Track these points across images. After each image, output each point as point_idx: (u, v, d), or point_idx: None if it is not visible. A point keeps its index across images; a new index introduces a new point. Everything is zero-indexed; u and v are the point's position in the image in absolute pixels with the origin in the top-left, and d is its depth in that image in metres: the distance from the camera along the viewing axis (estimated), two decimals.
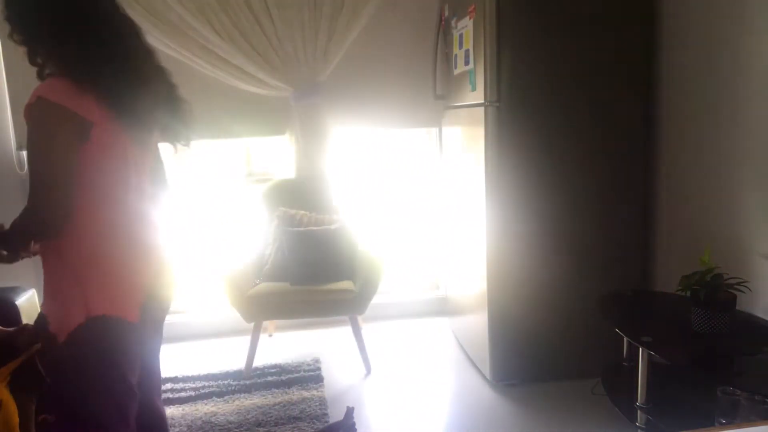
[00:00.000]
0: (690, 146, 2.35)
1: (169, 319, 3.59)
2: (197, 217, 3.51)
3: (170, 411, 2.48)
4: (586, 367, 2.54)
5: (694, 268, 1.90)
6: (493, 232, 2.49)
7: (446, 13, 2.95)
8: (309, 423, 2.34)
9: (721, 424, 1.62)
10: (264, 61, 3.04)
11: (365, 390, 2.67)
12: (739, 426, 0.96)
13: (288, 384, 2.69)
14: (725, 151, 2.13)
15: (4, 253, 1.31)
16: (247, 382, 2.72)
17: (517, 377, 2.60)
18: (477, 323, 2.71)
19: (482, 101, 2.43)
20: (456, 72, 2.81)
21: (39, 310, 1.36)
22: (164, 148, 1.57)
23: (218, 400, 2.57)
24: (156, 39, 2.93)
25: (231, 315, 3.19)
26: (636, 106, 2.49)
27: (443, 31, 3.01)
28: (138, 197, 1.43)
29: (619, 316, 2.13)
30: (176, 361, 3.01)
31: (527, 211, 2.48)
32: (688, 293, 1.89)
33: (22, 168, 2.98)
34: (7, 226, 1.28)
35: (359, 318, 2.93)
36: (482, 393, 2.58)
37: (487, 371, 2.63)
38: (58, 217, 1.24)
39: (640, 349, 1.88)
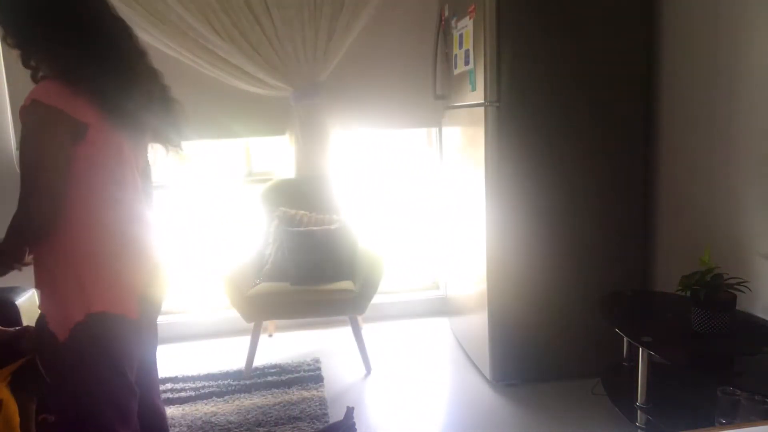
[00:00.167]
0: (690, 146, 2.35)
1: (169, 319, 3.62)
2: (197, 217, 3.51)
3: (170, 411, 2.48)
4: (586, 367, 2.54)
5: (694, 268, 1.90)
6: (493, 232, 2.49)
7: (446, 13, 2.95)
8: (309, 423, 2.34)
9: (721, 424, 1.62)
10: (264, 61, 3.04)
11: (365, 390, 2.67)
12: (739, 426, 0.96)
13: (288, 384, 2.69)
14: (725, 150, 2.13)
15: None
16: (247, 382, 2.72)
17: (517, 377, 2.60)
18: (477, 323, 2.71)
19: (482, 101, 2.43)
20: (456, 72, 2.82)
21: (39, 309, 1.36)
22: (156, 149, 1.56)
23: (218, 400, 2.57)
24: (156, 39, 2.93)
25: (231, 315, 3.19)
26: (636, 106, 2.49)
27: (443, 31, 3.01)
28: (134, 197, 1.44)
29: (619, 316, 2.13)
30: (176, 361, 3.02)
31: (527, 211, 2.48)
32: (688, 293, 1.89)
33: None
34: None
35: (359, 318, 2.94)
36: (482, 393, 2.58)
37: (487, 371, 2.63)
38: (47, 219, 1.25)
39: (640, 349, 1.88)
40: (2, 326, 1.61)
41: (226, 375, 2.80)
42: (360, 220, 3.11)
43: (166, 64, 3.03)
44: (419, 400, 2.55)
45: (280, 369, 2.85)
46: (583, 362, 2.57)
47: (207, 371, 2.84)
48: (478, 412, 2.43)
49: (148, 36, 2.91)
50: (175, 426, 2.35)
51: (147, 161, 1.59)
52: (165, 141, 1.53)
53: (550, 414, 2.36)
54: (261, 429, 2.31)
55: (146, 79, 1.43)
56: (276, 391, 2.63)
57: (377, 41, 3.25)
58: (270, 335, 3.33)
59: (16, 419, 1.40)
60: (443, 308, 3.53)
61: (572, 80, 2.43)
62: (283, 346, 3.19)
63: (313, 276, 2.82)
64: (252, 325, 2.78)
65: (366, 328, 3.31)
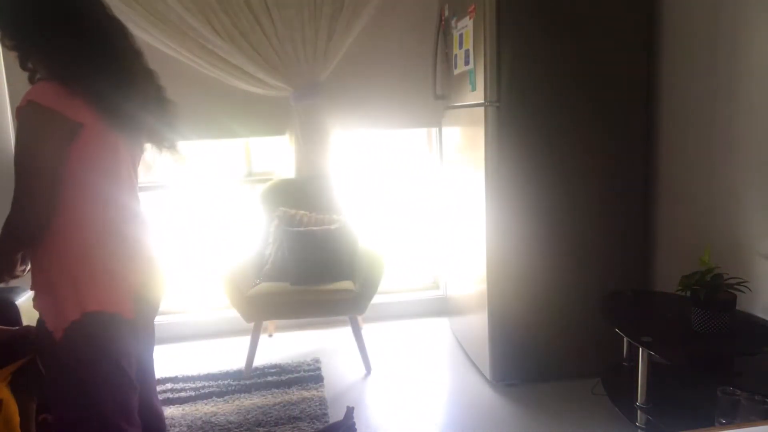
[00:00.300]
0: (690, 146, 2.35)
1: (169, 319, 3.62)
2: (197, 217, 3.51)
3: (170, 411, 2.48)
4: (586, 367, 2.54)
5: (694, 268, 1.90)
6: (493, 232, 2.49)
7: (446, 13, 2.95)
8: (309, 423, 2.34)
9: (721, 424, 1.62)
10: (264, 61, 3.04)
11: (365, 390, 2.67)
12: (739, 426, 0.96)
13: (288, 384, 2.69)
14: (725, 151, 2.13)
15: None
16: (247, 382, 2.72)
17: (517, 377, 2.60)
18: (477, 323, 2.71)
19: (482, 101, 2.43)
20: (456, 72, 2.81)
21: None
22: (152, 149, 1.57)
23: (218, 400, 2.57)
24: (156, 39, 2.93)
25: (231, 315, 3.20)
26: (636, 106, 2.49)
27: (443, 31, 3.01)
28: (130, 196, 1.46)
29: (619, 316, 2.13)
30: (176, 361, 3.02)
31: (527, 211, 2.48)
32: (688, 293, 1.89)
33: None
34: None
35: (359, 318, 2.94)
36: (482, 393, 2.58)
37: (487, 371, 2.63)
38: (41, 221, 1.27)
39: (640, 349, 1.88)
40: (2, 326, 1.61)
41: (226, 375, 2.80)
42: (360, 220, 3.11)
43: (166, 64, 3.06)
44: (419, 400, 2.55)
45: (280, 369, 2.85)
46: (583, 362, 2.57)
47: (207, 371, 2.84)
48: (478, 412, 2.43)
49: (148, 36, 2.91)
50: (175, 426, 2.35)
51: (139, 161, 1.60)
52: (160, 141, 1.53)
53: (550, 414, 2.36)
54: (261, 429, 2.31)
55: (142, 80, 1.44)
56: (276, 391, 2.63)
57: (377, 41, 3.25)
58: (270, 335, 3.33)
59: (16, 419, 1.40)
60: (443, 308, 3.53)
61: (572, 80, 2.43)
62: (283, 346, 3.19)
63: (313, 276, 2.82)
64: (252, 325, 2.78)
65: (366, 328, 3.31)
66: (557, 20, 2.39)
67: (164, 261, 1.52)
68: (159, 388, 2.67)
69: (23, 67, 1.36)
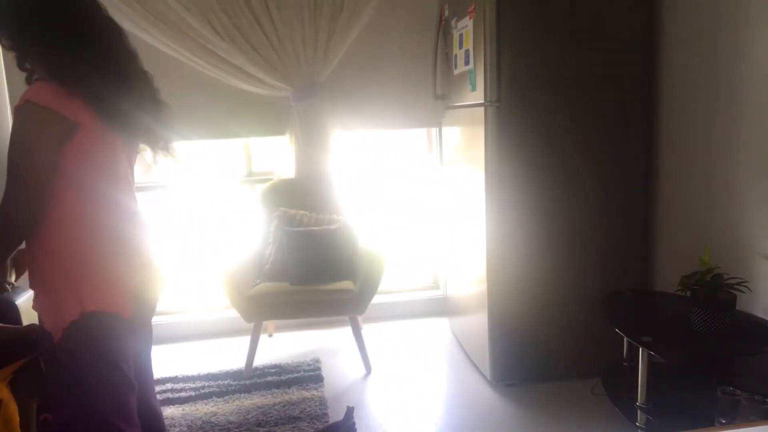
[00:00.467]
0: (690, 146, 2.35)
1: (169, 319, 3.62)
2: (197, 217, 3.51)
3: (170, 411, 2.48)
4: (586, 367, 2.54)
5: (694, 268, 1.90)
6: (493, 232, 2.49)
7: (446, 13, 2.95)
8: (309, 423, 2.34)
9: (721, 424, 1.62)
10: (264, 61, 3.04)
11: (365, 390, 2.67)
12: (739, 426, 0.96)
13: (288, 384, 2.69)
14: (725, 151, 2.13)
15: None
16: (247, 382, 2.72)
17: (517, 377, 2.60)
18: (477, 323, 2.71)
19: (482, 101, 2.43)
20: (456, 72, 2.81)
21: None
22: (148, 150, 1.57)
23: (218, 400, 2.57)
24: (156, 39, 2.93)
25: (231, 315, 3.19)
26: (636, 106, 2.49)
27: (443, 31, 3.01)
28: (128, 196, 1.46)
29: (619, 316, 2.13)
30: (176, 361, 3.02)
31: (527, 211, 2.48)
32: (688, 293, 1.89)
33: None
34: None
35: (359, 318, 2.93)
36: (482, 393, 2.58)
37: (487, 371, 2.63)
38: (31, 219, 1.27)
39: (640, 349, 1.88)
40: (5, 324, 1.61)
41: (226, 375, 2.80)
42: (360, 220, 3.11)
43: (166, 64, 3.07)
44: (419, 400, 2.55)
45: (280, 369, 2.85)
46: (583, 362, 2.57)
47: (207, 371, 2.84)
48: (478, 412, 2.43)
49: (148, 36, 2.91)
50: (175, 426, 2.35)
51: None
52: (155, 141, 1.54)
53: (550, 414, 2.36)
54: (261, 429, 2.31)
55: (138, 81, 1.45)
56: (276, 391, 2.63)
57: (377, 41, 3.25)
58: (270, 335, 3.33)
59: (16, 419, 1.40)
60: (443, 308, 3.53)
61: (572, 80, 2.43)
62: (283, 346, 3.19)
63: (313, 276, 2.82)
64: (252, 325, 2.78)
65: (366, 328, 3.31)
66: (557, 20, 2.39)
67: (162, 261, 1.52)
68: (159, 388, 2.67)
69: (21, 67, 1.36)
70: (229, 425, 2.34)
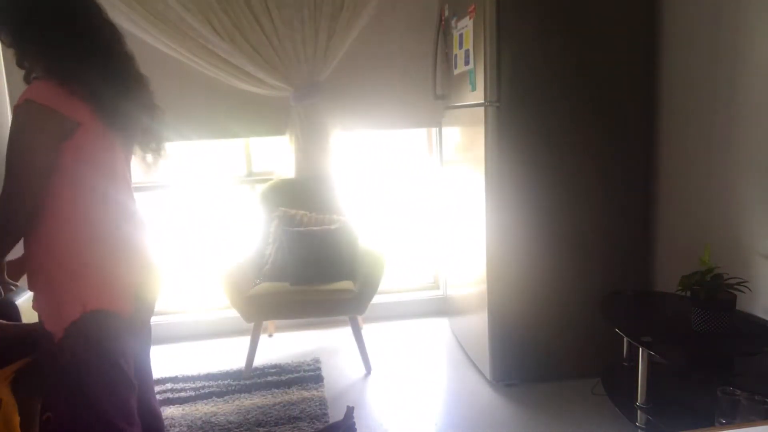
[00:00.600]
0: (690, 146, 2.35)
1: (169, 319, 3.62)
2: (197, 217, 3.51)
3: (170, 411, 2.48)
4: (586, 367, 2.54)
5: (694, 268, 1.90)
6: (493, 232, 2.49)
7: (446, 13, 2.95)
8: (309, 423, 2.34)
9: (721, 424, 1.62)
10: (264, 61, 3.04)
11: (365, 390, 2.67)
12: (739, 426, 0.96)
13: (288, 384, 2.69)
14: (725, 151, 2.13)
15: None
16: (247, 382, 2.72)
17: (517, 377, 2.60)
18: (477, 323, 2.71)
19: (482, 101, 2.43)
20: (456, 72, 2.81)
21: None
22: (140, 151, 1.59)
23: (218, 400, 2.57)
24: (156, 39, 2.93)
25: (231, 315, 3.20)
26: (636, 106, 2.49)
27: (443, 31, 3.01)
28: (127, 195, 1.47)
29: (619, 316, 2.13)
30: (176, 361, 3.01)
31: (527, 211, 2.48)
32: (688, 293, 1.89)
33: None
34: None
35: (359, 318, 2.93)
36: (482, 393, 2.58)
37: (487, 371, 2.63)
38: (27, 218, 1.28)
39: (640, 349, 1.87)
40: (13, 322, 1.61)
41: (226, 375, 2.80)
42: (360, 220, 3.11)
43: (166, 64, 3.07)
44: (419, 400, 2.55)
45: (280, 369, 2.85)
46: (583, 362, 2.57)
47: (207, 371, 2.84)
48: (478, 412, 2.43)
49: (148, 36, 2.91)
50: (175, 426, 2.35)
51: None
52: (148, 143, 1.55)
53: (550, 414, 2.36)
54: (261, 429, 2.31)
55: (135, 82, 1.47)
56: (276, 391, 2.63)
57: (377, 41, 3.25)
58: (270, 335, 3.33)
59: (16, 419, 1.40)
60: (443, 308, 3.53)
61: (572, 80, 2.43)
62: (283, 346, 3.19)
63: (313, 276, 2.82)
64: (252, 325, 2.78)
65: (366, 328, 3.31)
66: (557, 20, 2.39)
67: (160, 260, 1.53)
68: (159, 388, 2.67)
69: (20, 65, 1.37)
70: (229, 425, 2.34)
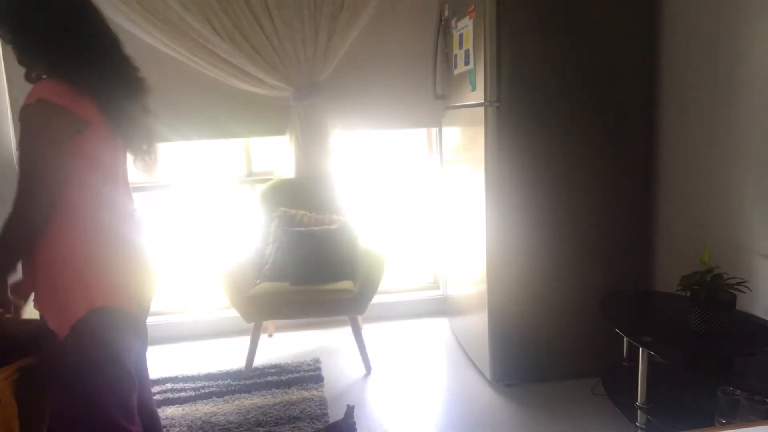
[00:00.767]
0: (690, 146, 2.35)
1: (169, 319, 3.61)
2: (197, 217, 3.51)
3: (170, 411, 2.48)
4: (586, 367, 2.54)
5: (694, 268, 1.90)
6: (493, 232, 2.49)
7: (446, 13, 2.95)
8: (309, 423, 2.34)
9: (721, 424, 1.62)
10: (264, 61, 3.04)
11: (365, 390, 2.67)
12: (739, 426, 0.96)
13: (288, 384, 2.69)
14: (725, 151, 2.13)
15: None
16: (247, 382, 2.72)
17: (517, 377, 2.60)
18: (477, 323, 2.71)
19: (482, 101, 2.43)
20: (456, 72, 2.82)
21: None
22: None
23: (218, 400, 2.57)
24: (156, 39, 2.93)
25: (231, 315, 3.20)
26: (636, 106, 2.49)
27: (443, 31, 3.01)
28: (126, 195, 1.50)
29: (619, 316, 2.13)
30: (176, 361, 3.01)
31: (527, 211, 2.48)
32: (688, 293, 1.89)
33: None
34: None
35: (359, 318, 2.94)
36: (482, 393, 2.58)
37: (487, 371, 2.63)
38: (43, 215, 1.28)
39: (640, 349, 1.88)
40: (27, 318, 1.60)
41: (226, 375, 2.80)
42: (360, 220, 3.11)
43: (166, 64, 3.07)
44: (419, 400, 2.55)
45: (280, 369, 2.85)
46: (583, 362, 2.57)
47: (207, 371, 2.84)
48: (478, 412, 2.43)
49: (148, 36, 2.91)
50: (175, 426, 2.35)
51: None
52: (143, 144, 1.56)
53: (550, 414, 2.36)
54: (261, 429, 2.31)
55: (136, 83, 1.49)
56: (276, 391, 2.63)
57: (377, 41, 3.25)
58: (270, 335, 3.33)
59: (15, 421, 1.39)
60: (443, 308, 3.53)
61: (572, 80, 2.43)
62: (283, 346, 3.19)
63: (313, 276, 2.82)
64: (252, 325, 2.78)
65: (366, 328, 3.31)
66: (557, 20, 2.39)
67: (156, 260, 1.54)
68: (159, 388, 2.67)
69: (21, 62, 1.38)
70: (229, 425, 2.34)
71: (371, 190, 3.48)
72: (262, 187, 3.22)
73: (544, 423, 2.30)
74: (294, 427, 2.31)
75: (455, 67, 2.82)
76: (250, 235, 3.22)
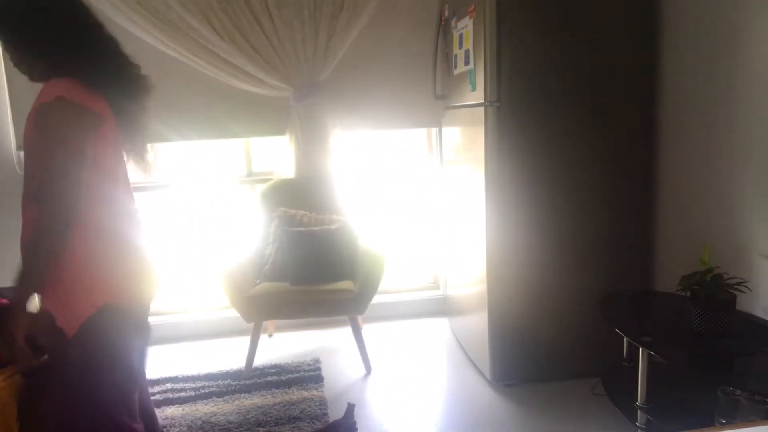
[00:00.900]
0: (690, 146, 2.35)
1: (169, 319, 3.61)
2: (197, 217, 3.51)
3: (170, 411, 2.48)
4: (586, 367, 2.54)
5: (694, 268, 1.90)
6: (493, 232, 2.49)
7: (446, 13, 2.95)
8: (309, 423, 2.34)
9: (721, 424, 1.62)
10: (264, 61, 3.04)
11: (365, 390, 2.67)
12: (739, 426, 0.96)
13: (288, 384, 2.69)
14: (725, 151, 2.13)
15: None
16: (247, 382, 2.72)
17: (517, 377, 2.60)
18: (477, 323, 2.71)
19: (482, 101, 2.43)
20: (456, 72, 2.82)
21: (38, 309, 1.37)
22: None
23: (218, 400, 2.57)
24: (156, 39, 2.93)
25: (231, 315, 3.19)
26: (636, 105, 2.49)
27: (443, 31, 3.01)
28: (127, 197, 1.50)
29: (619, 316, 2.13)
30: (176, 361, 3.01)
31: (527, 211, 2.48)
32: (688, 293, 1.89)
33: (21, 168, 2.98)
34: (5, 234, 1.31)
35: (359, 318, 2.93)
36: (482, 393, 2.58)
37: (487, 371, 2.63)
38: (70, 217, 1.27)
39: (640, 349, 1.87)
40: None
41: (226, 375, 2.80)
42: (360, 220, 3.11)
43: (166, 64, 3.07)
44: (419, 400, 2.55)
45: (280, 369, 2.85)
46: (583, 362, 2.57)
47: (207, 371, 2.84)
48: (478, 412, 2.43)
49: (148, 36, 2.91)
50: (175, 426, 2.35)
51: None
52: (138, 143, 1.56)
53: (550, 414, 2.36)
54: (261, 429, 2.31)
55: (139, 82, 1.50)
56: (276, 391, 2.63)
57: (377, 41, 3.25)
58: (270, 335, 3.33)
59: (14, 422, 1.39)
60: (443, 308, 3.53)
61: (572, 80, 2.43)
62: (283, 346, 3.19)
63: (313, 276, 2.82)
64: (252, 325, 2.78)
65: (366, 328, 3.31)
66: (557, 20, 2.39)
67: (157, 260, 1.54)
68: (159, 388, 2.67)
69: (18, 64, 1.38)
70: (229, 425, 2.34)
71: (371, 190, 3.48)
72: (262, 187, 3.22)
73: (544, 423, 2.30)
74: (294, 427, 2.31)
75: (455, 67, 2.82)
76: (250, 235, 3.22)
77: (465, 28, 2.60)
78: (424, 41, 3.21)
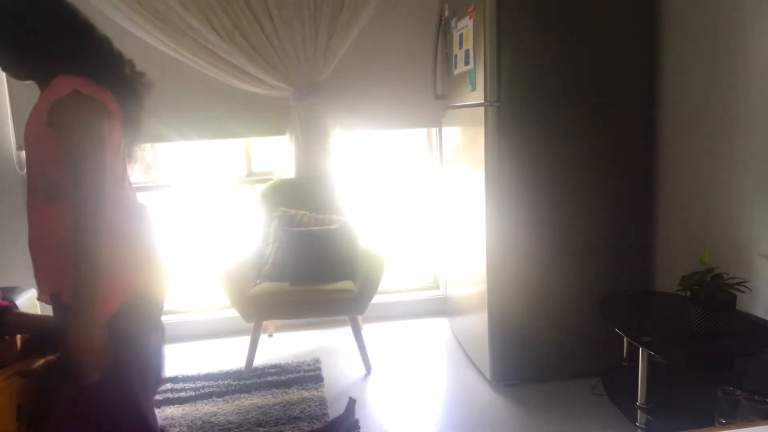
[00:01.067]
0: (690, 147, 2.35)
1: (169, 319, 3.60)
2: (197, 217, 3.52)
3: (170, 411, 2.48)
4: (586, 367, 2.54)
5: (694, 268, 1.90)
6: (493, 232, 2.49)
7: (446, 13, 2.95)
8: (309, 423, 2.34)
9: (721, 424, 1.62)
10: (264, 61, 3.04)
11: (365, 390, 2.67)
12: (739, 426, 0.96)
13: (288, 384, 2.69)
14: (725, 151, 2.13)
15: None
16: (247, 382, 2.72)
17: (517, 377, 2.60)
18: (477, 323, 2.71)
19: (482, 101, 2.43)
20: (456, 72, 2.82)
21: (38, 309, 1.37)
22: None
23: (218, 400, 2.57)
24: (156, 39, 2.93)
25: (231, 315, 3.19)
26: (636, 105, 2.49)
27: (443, 31, 3.01)
28: (134, 197, 1.51)
29: (619, 316, 2.13)
30: (176, 361, 3.01)
31: (527, 211, 2.48)
32: (688, 293, 1.89)
33: (22, 168, 2.98)
34: (7, 234, 1.31)
35: (359, 318, 2.93)
36: (482, 393, 2.58)
37: (487, 371, 2.63)
38: (107, 215, 1.28)
39: (640, 349, 1.87)
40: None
41: (226, 375, 2.80)
42: (360, 220, 3.11)
43: (166, 64, 3.07)
44: (419, 400, 2.55)
45: (280, 369, 2.85)
46: (583, 362, 2.57)
47: (207, 371, 2.84)
48: (478, 412, 2.43)
49: (148, 36, 2.91)
50: (175, 426, 2.35)
51: None
52: (134, 142, 1.57)
53: (550, 414, 2.36)
54: (261, 429, 2.31)
55: (143, 88, 1.52)
56: (276, 391, 2.63)
57: (377, 41, 3.25)
58: (270, 335, 3.33)
59: (12, 423, 1.39)
60: (443, 308, 3.53)
61: (572, 80, 2.43)
62: (283, 346, 3.19)
63: (313, 276, 2.82)
64: (252, 325, 2.78)
65: (366, 328, 3.31)
66: (557, 20, 2.39)
67: (167, 258, 1.55)
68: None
69: (17, 66, 1.38)
70: (229, 425, 2.34)
71: (371, 190, 3.48)
72: (262, 187, 3.22)
73: (544, 423, 2.30)
74: (294, 427, 2.31)
75: (455, 67, 2.82)
76: (250, 235, 3.22)
77: (465, 28, 2.60)
78: (424, 41, 3.21)
